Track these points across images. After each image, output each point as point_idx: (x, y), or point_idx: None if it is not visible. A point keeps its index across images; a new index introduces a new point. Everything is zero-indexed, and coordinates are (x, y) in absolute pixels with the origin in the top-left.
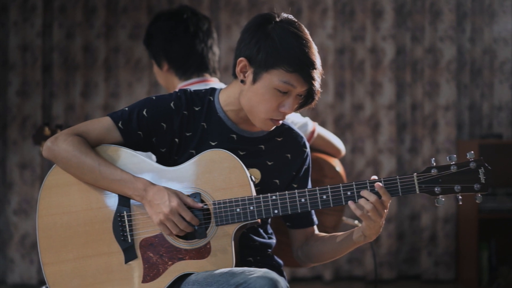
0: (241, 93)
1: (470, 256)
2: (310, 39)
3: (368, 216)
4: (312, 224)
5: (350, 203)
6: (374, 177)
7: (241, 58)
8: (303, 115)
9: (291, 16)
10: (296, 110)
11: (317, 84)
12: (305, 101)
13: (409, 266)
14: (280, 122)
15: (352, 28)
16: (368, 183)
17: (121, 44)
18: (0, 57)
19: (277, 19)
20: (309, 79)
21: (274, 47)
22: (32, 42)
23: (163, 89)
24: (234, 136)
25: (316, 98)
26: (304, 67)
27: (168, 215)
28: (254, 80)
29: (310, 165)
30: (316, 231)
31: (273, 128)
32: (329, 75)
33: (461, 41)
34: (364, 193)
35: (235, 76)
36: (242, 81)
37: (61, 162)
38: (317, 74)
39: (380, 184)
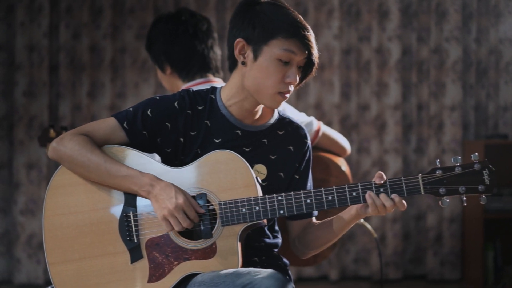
0: (244, 77)
1: (475, 256)
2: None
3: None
4: (311, 216)
5: (367, 196)
6: (380, 172)
7: (238, 39)
8: (308, 114)
9: None
10: (300, 82)
11: (314, 47)
12: (306, 70)
13: (414, 266)
14: (287, 96)
15: (358, 29)
16: (373, 184)
17: (128, 44)
18: (7, 57)
19: (262, 0)
20: (307, 42)
21: (269, 20)
22: (39, 43)
23: (170, 92)
24: (239, 131)
25: (316, 63)
26: (300, 31)
27: (173, 211)
28: (256, 57)
29: (311, 157)
30: (314, 220)
31: (277, 114)
32: (335, 76)
33: (466, 41)
34: (382, 196)
35: (231, 69)
36: (243, 63)
37: (67, 161)
38: (313, 38)
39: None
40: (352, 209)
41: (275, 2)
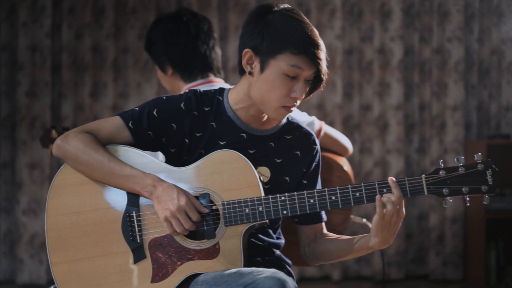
0: (250, 86)
1: (478, 256)
2: (311, 24)
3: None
4: (321, 220)
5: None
6: (392, 178)
7: (246, 50)
8: (311, 114)
9: (288, 5)
10: (307, 96)
11: (324, 64)
12: (314, 85)
13: (417, 266)
14: (292, 109)
15: (360, 29)
16: (376, 184)
17: (130, 44)
18: (9, 57)
19: (276, 8)
20: (316, 60)
21: (278, 33)
22: (41, 43)
23: (171, 93)
24: (244, 135)
25: (324, 79)
26: (309, 48)
27: (175, 213)
28: (262, 69)
29: (320, 162)
30: (325, 230)
31: (285, 118)
32: (337, 76)
33: (469, 41)
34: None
35: (241, 73)
36: (250, 73)
37: (70, 159)
38: (323, 55)
39: (393, 178)
40: (368, 241)
41: (288, 13)
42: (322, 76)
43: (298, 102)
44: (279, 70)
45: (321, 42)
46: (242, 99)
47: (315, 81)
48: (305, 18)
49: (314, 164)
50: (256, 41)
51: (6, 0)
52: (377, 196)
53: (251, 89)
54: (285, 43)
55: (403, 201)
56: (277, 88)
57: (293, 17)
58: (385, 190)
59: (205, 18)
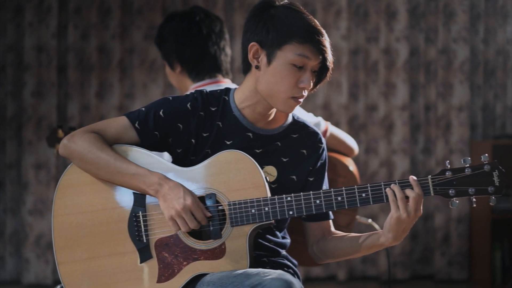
0: (257, 81)
1: (483, 256)
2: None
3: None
4: (328, 218)
5: (388, 190)
6: (413, 177)
7: (252, 43)
8: (316, 114)
9: (287, 0)
10: (314, 87)
11: (329, 52)
12: (320, 75)
13: (422, 266)
14: (301, 100)
15: (366, 29)
16: (383, 185)
17: (136, 45)
18: (16, 58)
19: (277, 3)
20: (321, 48)
21: (283, 24)
22: (48, 43)
23: (178, 89)
24: (250, 134)
25: (330, 68)
26: (314, 37)
27: (180, 212)
28: (269, 61)
29: (327, 161)
30: (333, 229)
31: (291, 117)
32: (343, 76)
33: (474, 42)
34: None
35: (245, 72)
36: (257, 67)
37: (77, 158)
38: (327, 43)
39: (414, 177)
40: (378, 238)
41: (290, 6)
42: (328, 64)
43: (306, 93)
44: (286, 61)
45: (324, 32)
46: (248, 96)
47: (321, 71)
48: (305, 10)
49: (320, 162)
50: (261, 34)
51: (13, 0)
52: (396, 187)
53: (259, 83)
54: (291, 33)
55: (422, 199)
56: (285, 79)
57: (295, 10)
58: None
59: (217, 18)
